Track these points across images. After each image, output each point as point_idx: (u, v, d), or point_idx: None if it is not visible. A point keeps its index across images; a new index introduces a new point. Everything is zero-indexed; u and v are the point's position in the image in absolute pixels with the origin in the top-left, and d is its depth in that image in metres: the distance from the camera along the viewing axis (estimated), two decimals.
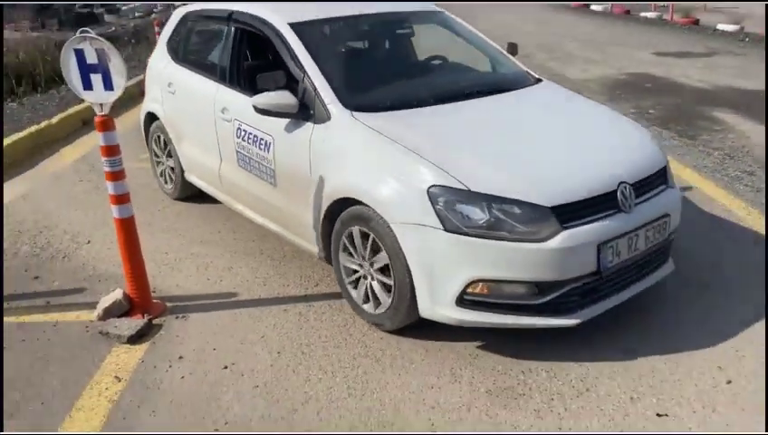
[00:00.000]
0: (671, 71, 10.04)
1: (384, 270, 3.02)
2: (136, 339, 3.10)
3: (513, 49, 4.36)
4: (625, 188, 2.90)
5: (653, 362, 2.89)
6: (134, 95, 7.74)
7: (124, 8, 23.25)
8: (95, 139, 3.11)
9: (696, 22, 15.87)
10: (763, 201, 4.63)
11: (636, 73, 9.90)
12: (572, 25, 16.66)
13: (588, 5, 21.25)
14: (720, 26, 14.74)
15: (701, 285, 3.52)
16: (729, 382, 2.75)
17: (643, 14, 17.88)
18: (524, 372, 2.84)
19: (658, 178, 3.16)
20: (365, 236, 3.06)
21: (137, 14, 22.01)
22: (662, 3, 18.77)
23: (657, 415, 2.56)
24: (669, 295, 3.43)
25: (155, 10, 21.55)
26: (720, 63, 10.63)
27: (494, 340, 3.03)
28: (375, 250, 3.04)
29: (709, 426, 2.50)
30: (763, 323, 3.16)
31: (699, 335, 3.07)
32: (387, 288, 3.03)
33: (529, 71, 4.16)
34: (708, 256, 3.85)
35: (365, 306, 3.16)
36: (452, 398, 2.68)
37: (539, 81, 4.01)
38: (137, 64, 9.28)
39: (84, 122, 7.15)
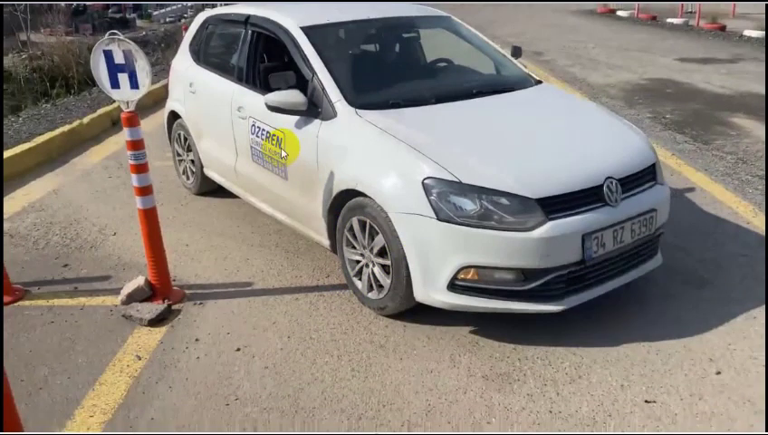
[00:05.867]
0: (693, 76, 10.03)
1: (382, 253, 3.20)
2: (156, 322, 3.31)
3: (516, 52, 4.51)
4: (611, 182, 3.06)
5: (647, 353, 3.00)
6: (162, 97, 8.01)
7: (155, 14, 23.83)
8: (123, 138, 3.32)
9: (723, 28, 15.75)
10: None
11: (657, 79, 9.92)
12: (598, 31, 16.64)
13: (614, 12, 21.18)
14: (747, 32, 14.62)
15: (700, 282, 3.62)
16: (719, 373, 2.85)
17: (669, 20, 17.78)
18: (521, 359, 2.98)
19: (647, 175, 3.30)
20: (363, 225, 3.26)
21: (168, 20, 22.54)
22: (689, 8, 18.66)
23: (646, 401, 2.68)
24: (668, 291, 3.53)
25: (185, 15, 22.05)
26: (744, 70, 10.58)
27: (495, 330, 3.18)
28: (372, 235, 3.23)
29: (695, 413, 2.61)
30: (759, 319, 3.24)
31: (695, 329, 3.17)
32: (386, 270, 3.21)
33: (530, 73, 4.31)
34: (708, 254, 3.94)
35: (369, 294, 3.34)
36: (449, 381, 2.83)
37: (539, 82, 4.17)
38: (165, 68, 9.61)
39: (113, 122, 7.45)
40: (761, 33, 14.15)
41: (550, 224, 2.87)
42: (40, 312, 3.46)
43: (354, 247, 3.38)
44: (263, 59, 4.31)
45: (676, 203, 4.02)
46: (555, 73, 10.43)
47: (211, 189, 5.02)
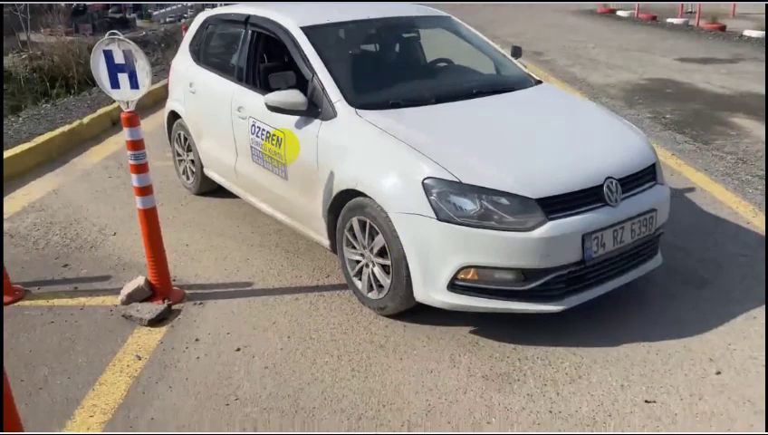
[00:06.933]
0: (693, 76, 10.03)
1: (382, 253, 3.20)
2: (156, 322, 3.31)
3: (516, 52, 4.51)
4: (611, 182, 3.06)
5: (647, 353, 3.00)
6: (162, 97, 8.01)
7: (155, 14, 23.84)
8: (123, 138, 3.33)
9: (723, 28, 15.75)
10: None
11: (657, 79, 9.91)
12: (598, 31, 16.64)
13: (614, 12, 21.19)
14: (747, 32, 14.62)
15: (700, 282, 3.62)
16: (719, 373, 2.85)
17: (669, 20, 17.78)
18: (521, 359, 2.98)
19: (647, 175, 3.31)
20: (363, 225, 3.26)
21: (168, 20, 22.55)
22: (689, 8, 18.67)
23: (646, 401, 2.68)
24: (668, 291, 3.53)
25: (185, 15, 22.06)
26: (744, 70, 10.57)
27: (494, 330, 3.18)
28: (372, 235, 3.24)
29: (695, 413, 2.61)
30: (759, 319, 3.24)
31: (695, 329, 3.17)
32: (386, 270, 3.21)
33: (530, 73, 4.31)
34: (708, 254, 3.94)
35: (369, 294, 3.34)
36: (449, 381, 2.83)
37: (539, 82, 4.18)
38: (165, 68, 9.60)
39: (113, 122, 7.45)
40: (761, 33, 14.14)
41: (550, 224, 2.87)
42: (40, 312, 3.46)
43: (354, 247, 3.38)
44: (263, 59, 4.31)
45: (676, 203, 4.02)
46: (555, 73, 10.43)
47: (211, 189, 5.02)
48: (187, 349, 3.10)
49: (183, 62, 5.08)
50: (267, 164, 3.93)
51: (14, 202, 5.06)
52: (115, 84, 3.17)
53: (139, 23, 22.47)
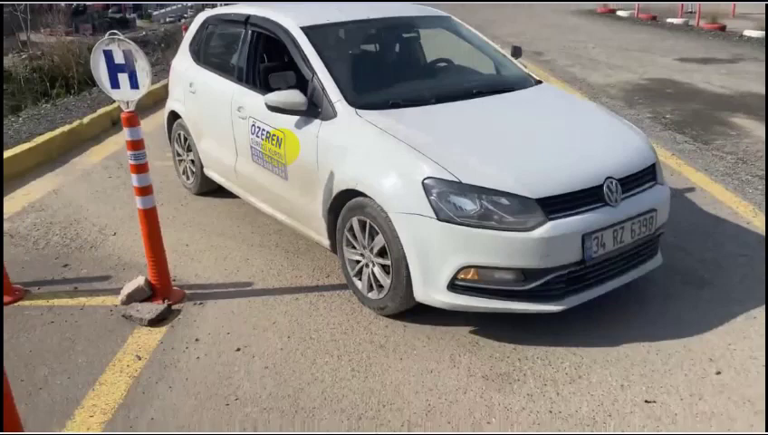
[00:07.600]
0: (693, 76, 10.03)
1: (382, 253, 3.21)
2: (156, 322, 3.31)
3: (516, 52, 4.51)
4: (611, 182, 3.06)
5: (647, 353, 3.00)
6: (162, 97, 8.01)
7: (155, 14, 23.85)
8: (123, 138, 3.33)
9: (723, 28, 15.76)
10: None
11: (657, 79, 9.91)
12: (598, 31, 16.64)
13: (614, 12, 21.20)
14: (747, 32, 14.62)
15: (700, 282, 3.62)
16: (719, 373, 2.85)
17: (669, 20, 17.78)
18: (521, 359, 2.98)
19: (647, 175, 3.31)
20: (363, 225, 3.27)
21: (168, 20, 22.56)
22: (689, 8, 18.67)
23: (645, 401, 2.68)
24: (668, 291, 3.53)
25: (185, 15, 22.07)
26: (744, 70, 10.57)
27: (495, 330, 3.18)
28: (372, 235, 3.24)
29: (695, 413, 2.61)
30: (759, 319, 3.24)
31: (695, 329, 3.17)
32: (386, 270, 3.21)
33: (530, 73, 4.32)
34: (709, 254, 3.94)
35: (369, 294, 3.34)
36: (449, 382, 2.83)
37: (539, 82, 4.18)
38: (165, 68, 9.60)
39: (113, 122, 7.45)
40: (761, 33, 14.14)
41: (550, 224, 2.87)
42: (40, 312, 3.46)
43: (354, 247, 3.38)
44: (263, 59, 4.31)
45: (676, 203, 4.02)
46: (555, 73, 10.43)
47: (211, 189, 5.03)
48: (187, 349, 3.10)
49: (183, 62, 5.09)
50: (267, 164, 3.93)
51: (14, 202, 5.06)
52: (115, 84, 3.17)
53: (139, 23, 22.49)
